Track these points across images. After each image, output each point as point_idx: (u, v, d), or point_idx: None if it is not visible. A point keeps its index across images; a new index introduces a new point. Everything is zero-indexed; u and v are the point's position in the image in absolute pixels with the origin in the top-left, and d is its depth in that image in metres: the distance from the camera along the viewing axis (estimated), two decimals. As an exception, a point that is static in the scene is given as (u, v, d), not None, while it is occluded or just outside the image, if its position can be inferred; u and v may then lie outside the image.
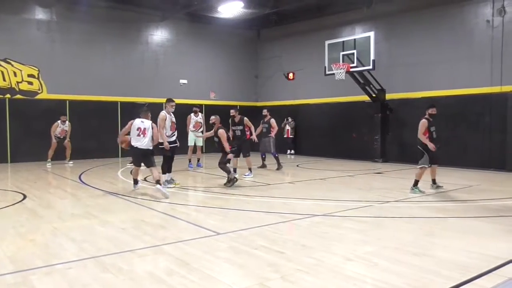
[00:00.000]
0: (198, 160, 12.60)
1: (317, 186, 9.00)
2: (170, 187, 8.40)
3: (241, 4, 15.27)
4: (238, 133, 10.57)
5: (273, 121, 12.15)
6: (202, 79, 18.08)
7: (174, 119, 8.78)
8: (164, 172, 8.62)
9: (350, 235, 5.01)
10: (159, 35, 17.14)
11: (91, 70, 15.31)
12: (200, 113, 12.67)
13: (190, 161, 12.32)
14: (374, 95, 14.10)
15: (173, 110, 8.80)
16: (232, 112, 10.82)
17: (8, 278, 3.57)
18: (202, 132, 12.13)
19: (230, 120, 10.78)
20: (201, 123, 12.49)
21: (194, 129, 12.30)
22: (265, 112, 12.65)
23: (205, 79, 18.17)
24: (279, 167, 11.71)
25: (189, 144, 12.31)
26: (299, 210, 6.48)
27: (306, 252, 4.31)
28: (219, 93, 18.68)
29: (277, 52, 18.70)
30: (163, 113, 8.69)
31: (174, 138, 8.77)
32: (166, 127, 8.57)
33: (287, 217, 5.94)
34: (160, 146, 8.47)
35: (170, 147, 8.53)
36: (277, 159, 11.87)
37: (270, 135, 11.99)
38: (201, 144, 12.73)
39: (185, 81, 17.64)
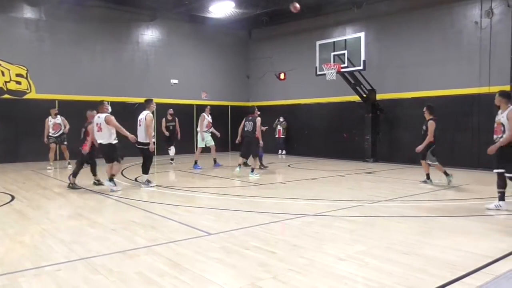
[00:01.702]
0: (215, 161, 12.48)
1: (308, 186, 9.03)
2: (152, 186, 8.59)
3: (232, 4, 15.25)
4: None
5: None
6: (193, 79, 18.03)
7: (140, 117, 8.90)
8: (146, 172, 8.77)
9: (341, 234, 5.03)
10: (149, 35, 17.05)
11: (80, 70, 15.18)
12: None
13: (196, 162, 12.08)
14: (364, 96, 14.18)
15: (154, 109, 9.00)
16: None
17: (-4, 281, 3.52)
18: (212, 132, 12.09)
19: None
20: (211, 122, 12.32)
21: (206, 129, 12.17)
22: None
23: (196, 79, 18.12)
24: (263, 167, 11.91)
25: (199, 145, 12.22)
26: (291, 210, 6.49)
27: (297, 252, 4.32)
28: (210, 93, 18.64)
29: (268, 52, 18.72)
30: (151, 114, 8.73)
31: (154, 139, 8.94)
32: (151, 128, 8.66)
33: (278, 217, 5.95)
34: (139, 146, 8.60)
35: (138, 148, 8.70)
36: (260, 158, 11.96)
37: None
38: (213, 143, 12.46)
39: (176, 81, 17.58)
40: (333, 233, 5.11)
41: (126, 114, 15.94)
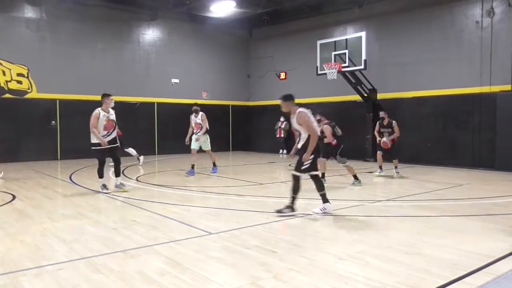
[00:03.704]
0: (214, 165, 11.18)
1: (309, 186, 8.98)
2: (106, 192, 7.81)
3: (233, 3, 15.25)
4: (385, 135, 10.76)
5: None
6: (194, 78, 18.04)
7: (112, 117, 7.91)
8: (100, 177, 7.97)
9: (342, 234, 5.03)
10: (150, 34, 17.06)
11: (81, 69, 15.20)
12: (201, 113, 10.99)
13: (192, 167, 10.71)
14: (365, 95, 14.17)
15: (111, 105, 7.94)
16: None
17: (-3, 280, 3.53)
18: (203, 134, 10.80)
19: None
20: (200, 124, 10.77)
21: (196, 131, 10.95)
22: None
23: (197, 78, 18.13)
24: None
25: (191, 147, 10.93)
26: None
27: (298, 251, 4.31)
28: (211, 92, 18.64)
29: (269, 51, 18.72)
30: (96, 110, 7.81)
31: (109, 138, 7.83)
32: (99, 126, 7.72)
33: (279, 216, 5.94)
34: (92, 148, 7.83)
35: (106, 148, 7.77)
36: None
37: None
38: (209, 148, 11.05)
39: (177, 81, 17.59)
40: (334, 232, 5.10)
41: (127, 114, 16.03)
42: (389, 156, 10.59)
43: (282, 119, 17.42)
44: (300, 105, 6.25)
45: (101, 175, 7.97)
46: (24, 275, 3.63)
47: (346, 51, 13.34)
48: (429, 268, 3.78)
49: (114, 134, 7.92)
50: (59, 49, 14.78)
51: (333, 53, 13.63)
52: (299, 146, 6.03)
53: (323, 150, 8.63)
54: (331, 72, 13.44)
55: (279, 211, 5.95)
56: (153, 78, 16.95)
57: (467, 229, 5.26)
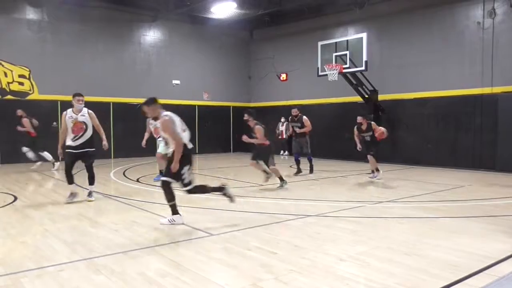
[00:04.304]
0: (161, 172, 9.49)
1: (310, 187, 9.03)
2: (69, 201, 7.09)
3: (234, 4, 15.27)
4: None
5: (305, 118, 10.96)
6: (195, 79, 18.06)
7: (82, 119, 7.09)
8: (68, 183, 7.14)
9: (343, 235, 5.03)
10: (151, 36, 17.08)
11: (82, 71, 15.21)
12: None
13: (161, 172, 9.51)
14: (366, 96, 14.17)
15: (81, 106, 7.15)
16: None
17: (-2, 281, 3.54)
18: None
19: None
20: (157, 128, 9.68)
21: (156, 136, 9.88)
22: (295, 111, 11.12)
23: (198, 79, 18.15)
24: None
25: (158, 151, 9.80)
26: (292, 210, 6.49)
27: (299, 252, 4.31)
28: (212, 93, 18.66)
29: (270, 53, 18.73)
30: (64, 112, 7.16)
31: (79, 142, 7.02)
32: (68, 129, 7.03)
33: (280, 217, 5.94)
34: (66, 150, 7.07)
35: (76, 153, 6.98)
36: (309, 161, 11.25)
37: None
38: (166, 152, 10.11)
39: (178, 82, 17.61)
40: (335, 233, 5.11)
41: (127, 115, 16.06)
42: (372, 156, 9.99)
43: (282, 119, 17.42)
44: (166, 108, 5.73)
45: (68, 181, 7.09)
46: (25, 276, 3.64)
47: (347, 52, 13.33)
48: (430, 269, 3.78)
49: (86, 137, 7.07)
50: (60, 51, 14.81)
51: (334, 54, 13.62)
52: (169, 153, 5.49)
53: (256, 152, 8.62)
54: (332, 73, 13.44)
55: (170, 220, 5.51)
56: (154, 79, 16.96)
57: (468, 231, 5.25)
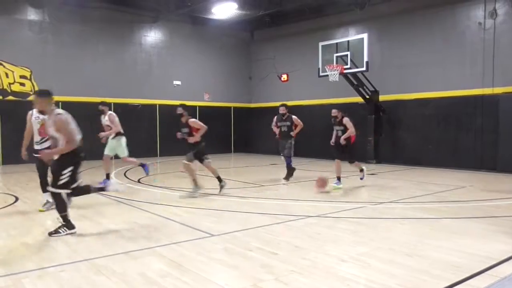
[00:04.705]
0: (108, 176, 9.07)
1: (311, 187, 9.00)
2: (44, 210, 6.52)
3: (235, 5, 15.28)
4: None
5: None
6: (195, 80, 18.06)
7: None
8: (43, 191, 6.61)
9: (344, 236, 5.02)
10: (152, 36, 17.09)
11: (83, 71, 15.23)
12: (109, 112, 9.13)
13: (107, 176, 9.09)
14: (367, 97, 14.16)
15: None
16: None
17: (-1, 281, 3.54)
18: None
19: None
20: (109, 126, 8.97)
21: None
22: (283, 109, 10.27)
23: (198, 80, 18.16)
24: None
25: (105, 153, 8.98)
26: (293, 211, 6.48)
27: (300, 253, 4.31)
28: (213, 94, 18.66)
29: (270, 53, 18.73)
30: (31, 111, 6.51)
31: (46, 145, 6.31)
32: (34, 130, 6.47)
33: (281, 218, 5.94)
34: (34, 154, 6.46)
35: (36, 157, 6.30)
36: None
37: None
38: (125, 154, 9.11)
39: (178, 82, 17.61)
40: (336, 234, 5.10)
41: (129, 115, 16.08)
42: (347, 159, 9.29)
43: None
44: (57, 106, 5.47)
45: (43, 189, 6.50)
46: (26, 277, 3.64)
47: (348, 53, 13.32)
48: (431, 270, 3.77)
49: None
50: (62, 51, 14.82)
51: (335, 54, 13.61)
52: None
53: (192, 151, 7.82)
54: (333, 74, 13.43)
55: (53, 232, 5.04)
56: (155, 80, 16.99)
57: (470, 231, 5.24)
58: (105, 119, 9.01)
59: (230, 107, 19.31)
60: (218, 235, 5.00)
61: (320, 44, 14.25)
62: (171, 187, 9.04)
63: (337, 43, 13.79)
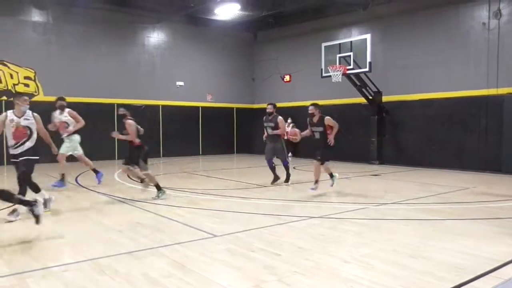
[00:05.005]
0: (62, 177, 8.70)
1: (311, 189, 8.97)
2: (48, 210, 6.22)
3: (238, 6, 15.30)
4: (317, 135, 8.31)
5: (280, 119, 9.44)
6: (198, 81, 18.10)
7: (26, 123, 5.88)
8: (35, 192, 6.24)
9: (347, 237, 5.01)
10: (155, 37, 17.14)
11: (87, 72, 15.29)
12: (68, 109, 8.82)
13: (62, 177, 8.72)
14: (370, 97, 14.14)
15: (25, 108, 5.90)
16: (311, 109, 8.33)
17: (3, 281, 3.55)
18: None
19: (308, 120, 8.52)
20: (67, 122, 8.68)
21: (61, 131, 8.69)
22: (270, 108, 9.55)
23: (201, 81, 18.20)
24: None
25: (59, 151, 8.30)
26: (296, 212, 6.47)
27: (303, 254, 4.30)
28: (215, 95, 18.68)
29: (273, 54, 18.74)
30: (5, 112, 6.04)
31: (20, 150, 5.91)
32: (7, 133, 5.93)
33: (284, 219, 5.93)
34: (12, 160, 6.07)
35: (16, 161, 5.95)
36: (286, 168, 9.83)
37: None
38: (80, 152, 8.97)
39: (181, 83, 17.65)
40: (339, 235, 5.09)
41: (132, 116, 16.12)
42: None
43: (289, 120, 17.40)
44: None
45: (34, 189, 6.18)
46: (30, 276, 3.65)
47: (351, 53, 13.31)
48: (435, 271, 3.76)
49: (28, 145, 5.91)
50: (65, 52, 14.89)
51: (338, 55, 13.61)
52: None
53: (128, 154, 7.53)
54: (336, 75, 13.42)
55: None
56: (158, 81, 17.03)
57: (474, 233, 5.22)
58: (63, 116, 8.67)
59: (232, 108, 19.32)
60: (220, 236, 5.00)
61: (323, 44, 14.25)
62: (174, 187, 9.05)
63: (340, 44, 13.78)
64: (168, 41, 17.43)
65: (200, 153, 18.09)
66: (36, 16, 14.52)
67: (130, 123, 7.39)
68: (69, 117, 8.74)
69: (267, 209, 6.71)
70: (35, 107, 14.27)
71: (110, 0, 15.23)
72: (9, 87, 13.92)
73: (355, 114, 15.19)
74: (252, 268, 3.88)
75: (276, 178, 9.54)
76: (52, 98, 14.43)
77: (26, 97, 6.02)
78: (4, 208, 6.72)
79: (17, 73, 14.04)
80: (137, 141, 7.40)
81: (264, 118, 9.70)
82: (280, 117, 9.39)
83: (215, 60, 18.68)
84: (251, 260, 4.12)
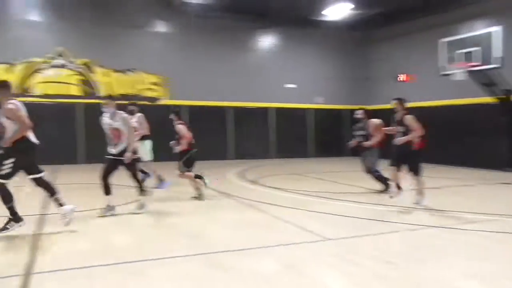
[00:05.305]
0: (159, 178, 8.92)
1: (430, 196, 8.20)
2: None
3: (349, 5, 15.02)
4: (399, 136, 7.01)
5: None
6: (309, 83, 18.16)
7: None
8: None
9: (469, 250, 4.54)
10: (265, 41, 17.75)
11: (207, 77, 16.33)
12: (138, 114, 9.06)
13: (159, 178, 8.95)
14: (501, 97, 12.65)
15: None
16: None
17: (128, 267, 3.97)
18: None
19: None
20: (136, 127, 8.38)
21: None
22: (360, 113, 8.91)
23: (311, 83, 18.22)
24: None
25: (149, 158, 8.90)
26: (413, 220, 6.03)
27: (416, 265, 4.01)
28: (326, 96, 18.52)
29: (385, 53, 17.91)
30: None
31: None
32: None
33: (398, 226, 5.58)
34: None
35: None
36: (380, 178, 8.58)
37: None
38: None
39: (293, 85, 17.87)
40: (459, 247, 4.64)
41: (244, 119, 16.93)
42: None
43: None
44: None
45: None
46: (149, 266, 4.01)
47: (476, 48, 12.07)
48: None
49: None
50: (188, 60, 16.12)
51: (462, 51, 12.46)
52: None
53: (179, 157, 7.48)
54: (460, 72, 12.31)
55: (3, 229, 4.93)
56: (268, 83, 17.50)
57: None
58: (133, 120, 8.08)
59: (343, 109, 18.89)
60: (332, 240, 4.93)
61: (442, 40, 13.21)
62: (286, 188, 9.06)
63: (461, 39, 12.65)
64: (278, 44, 17.85)
65: (309, 155, 18.07)
66: (161, 27, 16.04)
67: (180, 127, 7.53)
68: (139, 123, 8.84)
69: (382, 215, 6.35)
70: (160, 110, 15.77)
71: (225, 8, 16.06)
72: (138, 92, 15.51)
73: (480, 115, 13.67)
74: (362, 276, 3.74)
75: (386, 186, 8.31)
76: (176, 102, 15.87)
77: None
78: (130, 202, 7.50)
79: (146, 79, 15.62)
80: (184, 146, 7.41)
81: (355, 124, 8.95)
82: (372, 120, 8.45)
83: (325, 61, 18.60)
84: (362, 267, 3.96)
